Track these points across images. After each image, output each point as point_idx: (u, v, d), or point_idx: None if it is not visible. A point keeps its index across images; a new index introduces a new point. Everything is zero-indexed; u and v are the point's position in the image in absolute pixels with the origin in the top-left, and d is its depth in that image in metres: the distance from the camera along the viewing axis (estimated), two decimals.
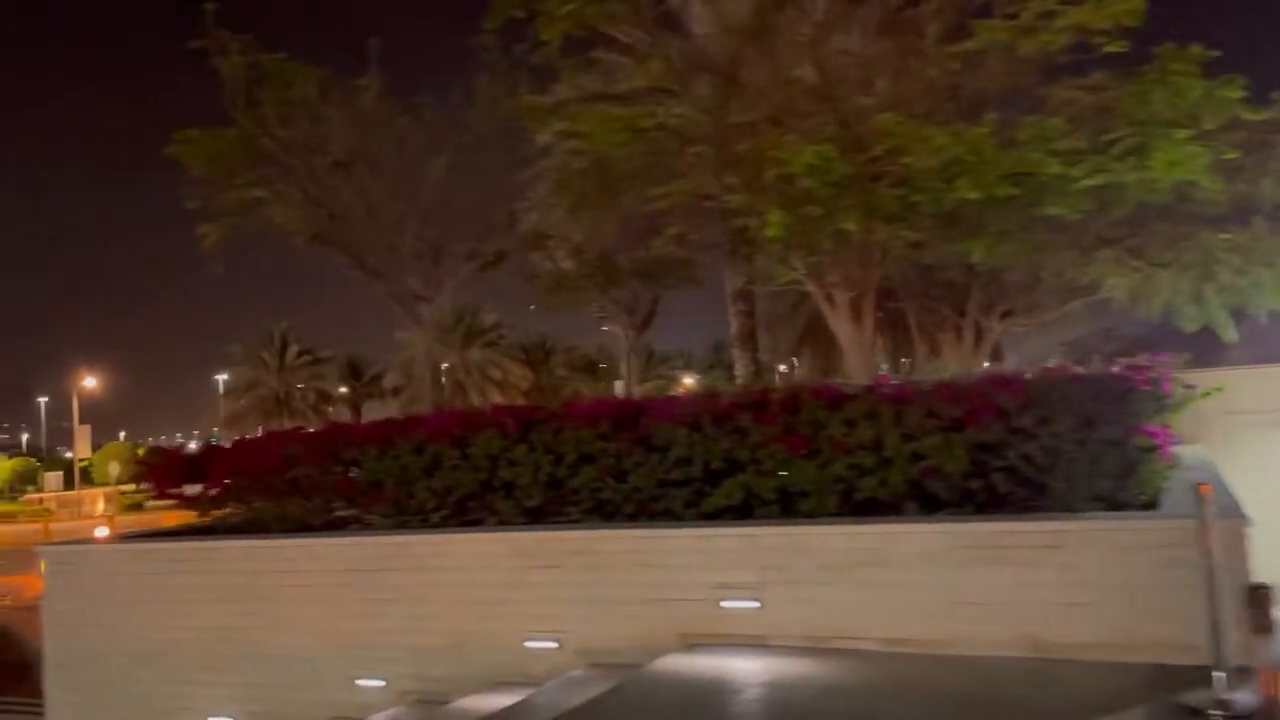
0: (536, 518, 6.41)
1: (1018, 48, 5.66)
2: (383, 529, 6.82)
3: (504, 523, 6.46)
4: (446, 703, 5.72)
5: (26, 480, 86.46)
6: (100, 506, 57.76)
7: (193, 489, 7.85)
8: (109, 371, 54.58)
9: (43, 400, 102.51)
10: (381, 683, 6.22)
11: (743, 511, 5.87)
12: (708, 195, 6.11)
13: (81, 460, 66.94)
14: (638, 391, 20.71)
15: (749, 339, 15.81)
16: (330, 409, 54.79)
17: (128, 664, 7.01)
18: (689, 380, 48.45)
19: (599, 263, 11.36)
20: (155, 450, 7.71)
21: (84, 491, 59.42)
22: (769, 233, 5.82)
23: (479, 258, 8.95)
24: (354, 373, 58.14)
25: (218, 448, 7.81)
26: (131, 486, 69.23)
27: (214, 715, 6.68)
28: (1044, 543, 4.72)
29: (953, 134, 5.38)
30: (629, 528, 5.81)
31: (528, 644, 5.84)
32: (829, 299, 7.11)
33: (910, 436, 5.38)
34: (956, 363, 11.78)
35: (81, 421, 55.27)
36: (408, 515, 6.83)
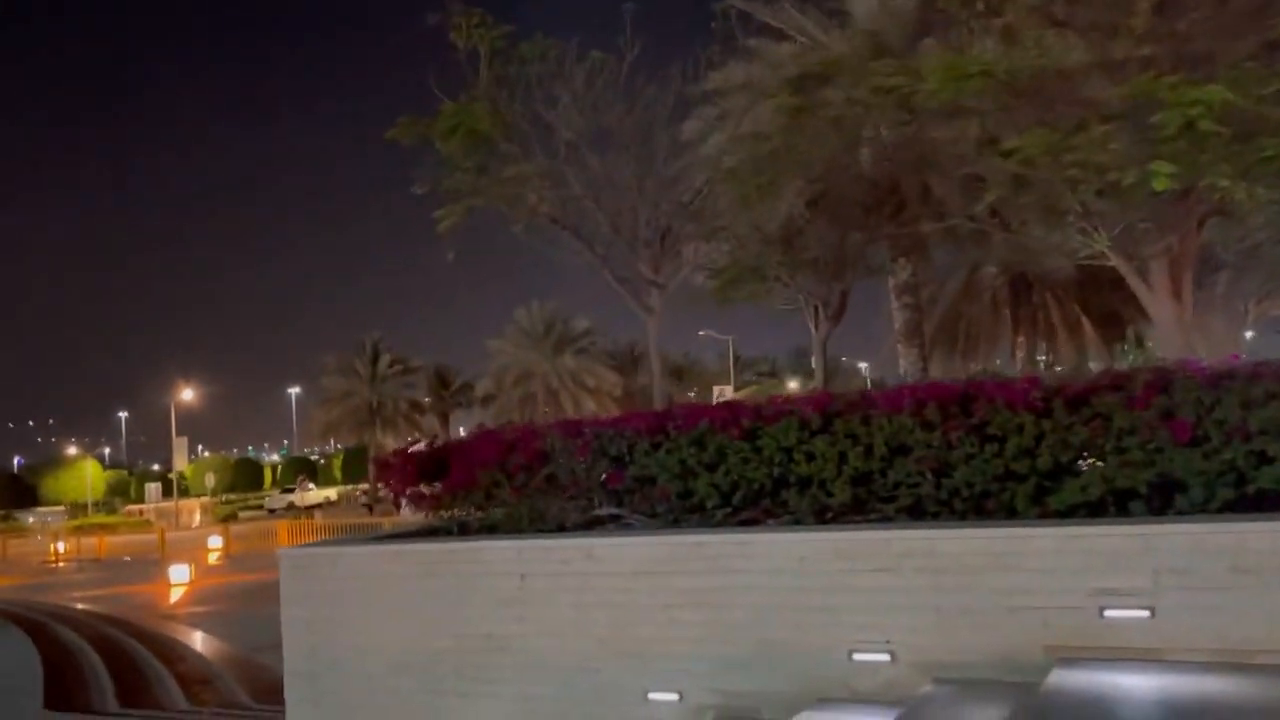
0: (827, 517, 5.84)
1: None
2: (649, 529, 6.32)
3: (798, 522, 5.91)
4: None
5: (116, 492, 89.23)
6: (197, 517, 59.11)
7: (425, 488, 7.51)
8: (183, 386, 55.58)
9: (123, 415, 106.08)
10: (675, 697, 5.69)
11: (1096, 509, 5.22)
12: (1071, 148, 5.49)
13: (169, 473, 68.56)
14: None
15: (915, 333, 15.10)
16: (420, 418, 55.29)
17: (382, 673, 6.60)
18: (793, 385, 47.58)
19: (793, 250, 10.78)
20: (396, 450, 7.32)
21: (181, 503, 60.76)
22: (1156, 186, 5.16)
23: (715, 237, 8.44)
24: (442, 382, 58.67)
25: (460, 443, 7.39)
26: (223, 498, 70.95)
27: None
28: None
29: None
30: (979, 527, 5.18)
31: (855, 656, 5.25)
32: (1141, 273, 6.41)
33: None
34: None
35: (162, 433, 56.70)
36: (681, 514, 6.31)
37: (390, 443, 65.93)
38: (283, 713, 8.58)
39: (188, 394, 56.59)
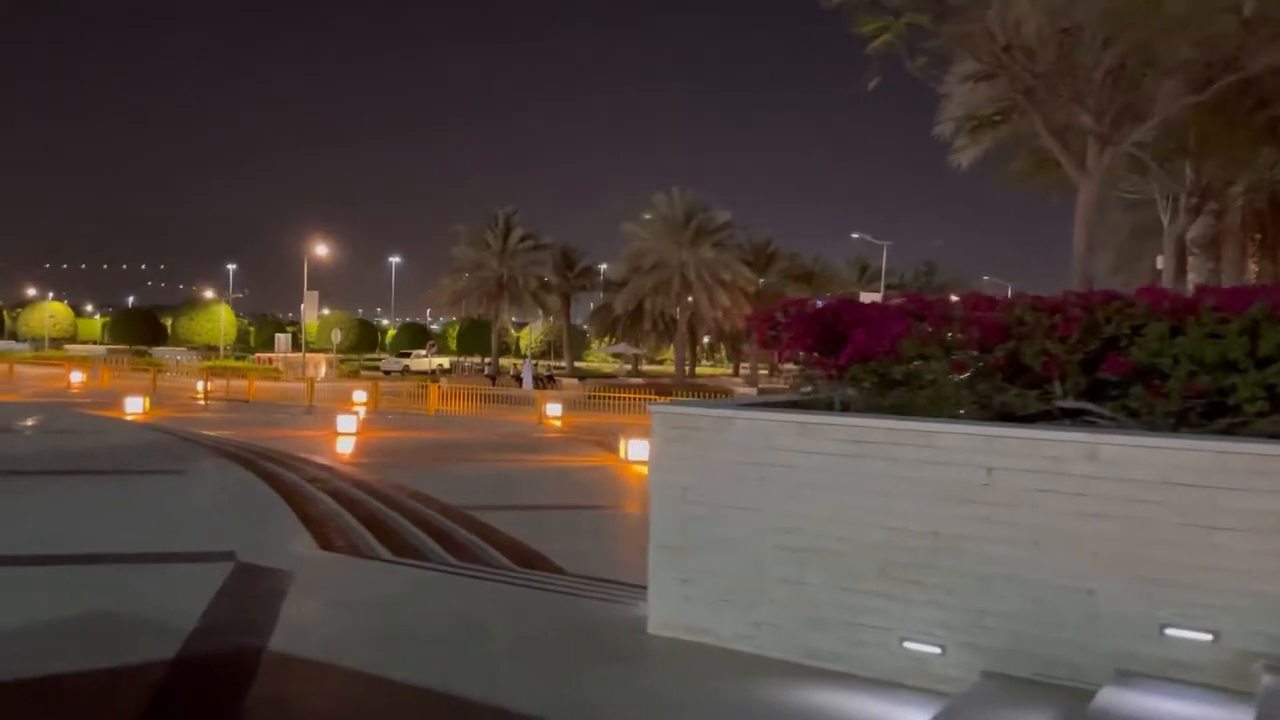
0: None
1: None
2: (1125, 428, 5.13)
3: None
4: None
5: (237, 339, 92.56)
6: (323, 370, 60.55)
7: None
8: (296, 243, 55.53)
9: (231, 266, 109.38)
10: (1208, 636, 4.60)
11: None
12: None
13: (290, 327, 70.03)
14: None
15: (1213, 245, 13.35)
16: (546, 296, 54.87)
17: (778, 560, 5.70)
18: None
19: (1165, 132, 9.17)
20: (784, 306, 6.22)
21: (307, 355, 62.24)
22: None
23: (1200, 88, 6.91)
24: (567, 262, 57.89)
25: (859, 307, 6.28)
26: (340, 356, 72.81)
27: (913, 640, 5.28)
28: None
29: None
30: None
31: None
32: None
33: None
34: None
35: (268, 285, 57.58)
36: (1186, 417, 5.10)
37: (507, 319, 66.10)
38: (567, 579, 7.94)
39: (321, 249, 56.94)
